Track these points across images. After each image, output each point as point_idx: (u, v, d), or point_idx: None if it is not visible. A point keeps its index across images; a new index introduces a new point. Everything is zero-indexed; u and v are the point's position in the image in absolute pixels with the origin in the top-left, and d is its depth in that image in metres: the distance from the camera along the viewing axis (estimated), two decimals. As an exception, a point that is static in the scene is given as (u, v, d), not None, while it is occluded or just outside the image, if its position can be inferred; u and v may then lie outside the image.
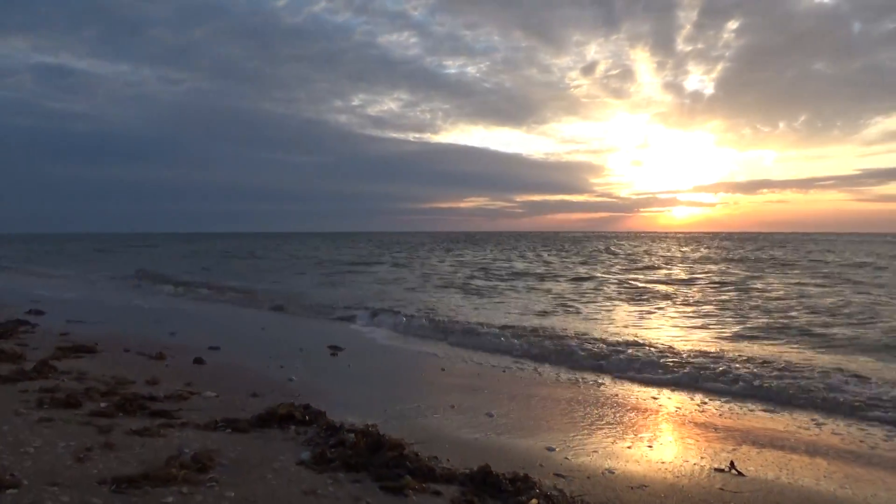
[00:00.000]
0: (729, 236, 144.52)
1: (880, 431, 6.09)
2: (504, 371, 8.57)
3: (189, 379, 6.65)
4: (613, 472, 4.47)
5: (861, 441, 5.82)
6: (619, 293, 20.20)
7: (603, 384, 7.93)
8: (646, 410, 6.64)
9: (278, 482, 3.83)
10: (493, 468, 4.13)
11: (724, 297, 18.51)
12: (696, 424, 6.17)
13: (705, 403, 7.06)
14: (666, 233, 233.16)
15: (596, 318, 14.50)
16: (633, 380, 8.22)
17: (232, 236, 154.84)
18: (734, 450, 5.36)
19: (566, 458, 4.76)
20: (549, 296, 19.35)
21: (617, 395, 7.36)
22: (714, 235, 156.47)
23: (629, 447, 5.26)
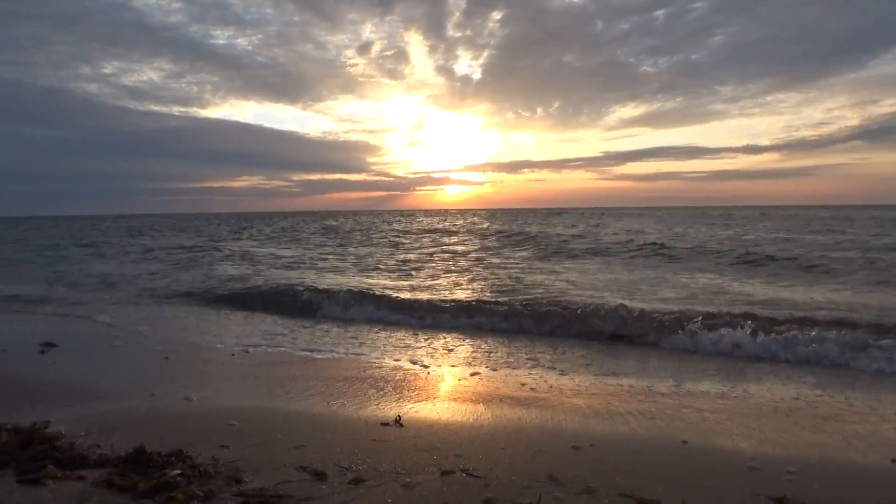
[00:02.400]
0: (497, 212, 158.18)
1: (528, 377, 7.34)
2: (233, 355, 8.63)
3: None
4: (280, 437, 4.87)
5: (521, 385, 6.95)
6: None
7: (316, 357, 8.41)
8: (355, 379, 7.18)
9: None
10: (157, 448, 4.30)
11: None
12: (398, 385, 6.84)
13: (411, 365, 7.85)
14: (440, 209, 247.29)
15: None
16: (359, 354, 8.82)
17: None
18: (415, 404, 6.10)
19: (242, 430, 5.04)
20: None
21: (331, 365, 7.85)
22: (483, 212, 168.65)
23: (315, 412, 5.72)
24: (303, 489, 3.78)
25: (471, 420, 5.60)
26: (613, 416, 5.86)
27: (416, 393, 6.59)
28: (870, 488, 4.17)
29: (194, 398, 6.18)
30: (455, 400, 6.36)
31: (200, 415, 5.55)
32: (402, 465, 4.27)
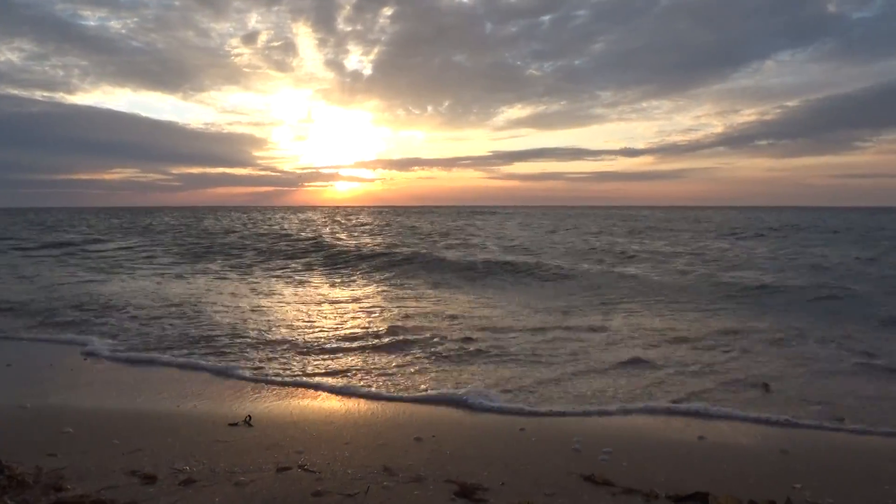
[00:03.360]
0: (388, 209, 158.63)
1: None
2: (85, 359, 8.20)
3: None
4: (118, 441, 4.74)
5: (384, 388, 7.13)
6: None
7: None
8: (212, 381, 7.05)
9: None
10: (-25, 460, 4.07)
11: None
12: (256, 386, 6.79)
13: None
14: (327, 206, 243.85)
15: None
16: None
17: None
18: (270, 404, 6.11)
19: (76, 437, 4.87)
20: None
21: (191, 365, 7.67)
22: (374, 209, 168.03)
23: (162, 414, 5.60)
24: (128, 493, 3.73)
25: (322, 417, 5.70)
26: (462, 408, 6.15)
27: (273, 392, 6.59)
28: (674, 462, 4.68)
29: (29, 405, 5.86)
30: (310, 398, 6.42)
31: (32, 422, 5.28)
32: (240, 464, 4.30)
